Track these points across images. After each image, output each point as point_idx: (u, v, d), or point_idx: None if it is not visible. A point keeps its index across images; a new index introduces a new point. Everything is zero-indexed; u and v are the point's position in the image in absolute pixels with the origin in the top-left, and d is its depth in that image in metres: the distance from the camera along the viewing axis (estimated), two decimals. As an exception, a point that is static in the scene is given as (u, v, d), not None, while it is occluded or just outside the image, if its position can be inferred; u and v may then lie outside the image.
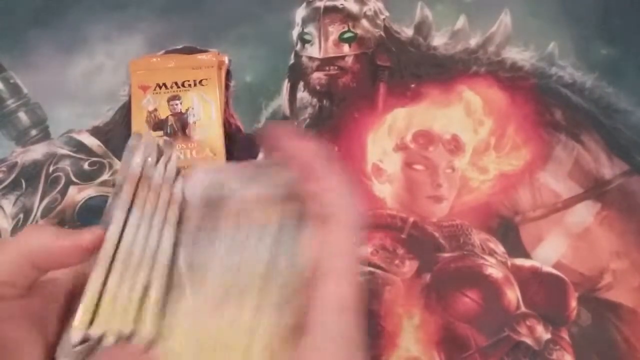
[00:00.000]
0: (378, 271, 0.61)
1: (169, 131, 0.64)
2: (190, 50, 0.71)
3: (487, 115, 0.68)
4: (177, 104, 0.65)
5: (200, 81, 0.67)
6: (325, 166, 0.33)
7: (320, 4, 0.74)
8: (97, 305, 0.28)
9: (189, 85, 0.66)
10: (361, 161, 0.67)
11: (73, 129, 0.68)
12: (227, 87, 0.70)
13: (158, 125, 0.65)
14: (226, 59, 0.70)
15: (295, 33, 0.73)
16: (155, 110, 0.65)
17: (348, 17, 0.73)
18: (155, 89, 0.66)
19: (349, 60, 0.72)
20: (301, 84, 0.70)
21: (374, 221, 0.64)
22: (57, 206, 0.63)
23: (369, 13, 0.74)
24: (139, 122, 0.64)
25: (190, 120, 0.65)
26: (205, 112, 0.65)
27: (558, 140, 0.67)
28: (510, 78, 0.70)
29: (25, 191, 0.64)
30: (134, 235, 0.30)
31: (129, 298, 0.29)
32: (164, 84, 0.66)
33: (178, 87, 0.66)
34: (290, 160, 0.34)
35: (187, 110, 0.65)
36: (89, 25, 0.74)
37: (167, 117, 0.65)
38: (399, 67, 0.71)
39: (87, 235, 0.29)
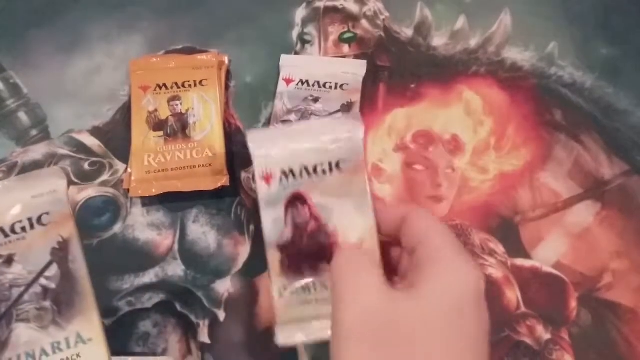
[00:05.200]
0: (378, 271, 0.60)
1: (169, 132, 0.64)
2: (190, 51, 0.71)
3: (487, 116, 0.68)
4: (177, 105, 0.65)
5: (201, 81, 0.67)
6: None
7: (320, 5, 0.74)
8: None
9: (189, 85, 0.66)
10: (361, 161, 0.66)
11: (73, 129, 0.68)
12: (227, 87, 0.70)
13: (158, 125, 0.64)
14: (226, 59, 0.70)
15: (295, 33, 0.73)
16: (156, 110, 0.65)
17: (348, 17, 0.73)
18: (155, 89, 0.66)
19: (349, 61, 0.72)
20: (301, 84, 0.70)
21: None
22: (57, 206, 0.63)
23: (368, 13, 0.74)
24: (139, 123, 0.64)
25: (190, 120, 0.65)
26: (206, 112, 0.65)
27: (558, 141, 0.67)
28: (510, 78, 0.70)
29: (25, 191, 0.64)
30: None
31: None
32: (164, 85, 0.66)
33: (178, 88, 0.66)
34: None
35: (187, 110, 0.65)
36: (89, 25, 0.74)
37: (168, 117, 0.65)
38: (399, 68, 0.71)
39: None
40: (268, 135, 0.45)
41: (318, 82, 0.67)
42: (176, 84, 0.66)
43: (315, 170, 0.44)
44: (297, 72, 0.68)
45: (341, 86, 0.67)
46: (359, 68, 0.69)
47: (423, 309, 0.37)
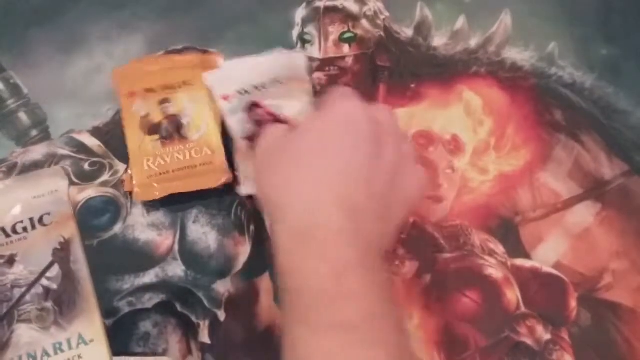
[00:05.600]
0: (378, 271, 0.61)
1: (164, 134, 0.64)
2: (190, 50, 0.71)
3: (487, 116, 0.68)
4: (168, 107, 0.65)
5: (189, 81, 0.67)
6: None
7: (320, 4, 0.74)
8: None
9: (178, 87, 0.66)
10: (361, 161, 0.67)
11: (73, 129, 0.68)
12: None
13: (153, 129, 0.64)
14: (218, 57, 0.70)
15: (295, 33, 0.73)
16: (148, 115, 0.65)
17: (348, 17, 0.73)
18: (144, 94, 0.66)
19: (349, 61, 0.72)
20: (301, 84, 0.70)
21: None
22: (58, 206, 0.63)
23: (369, 13, 0.74)
24: (132, 129, 0.64)
25: (184, 121, 0.65)
26: (198, 112, 0.65)
27: (558, 141, 0.67)
28: (510, 78, 0.70)
29: (25, 191, 0.64)
30: None
31: None
32: (152, 88, 0.66)
33: (167, 90, 0.66)
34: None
35: (179, 111, 0.65)
36: (89, 25, 0.74)
37: (161, 120, 0.65)
38: (399, 68, 0.71)
39: None
40: (222, 71, 0.66)
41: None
42: (164, 86, 0.66)
43: (263, 86, 0.62)
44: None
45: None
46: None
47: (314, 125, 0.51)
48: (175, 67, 0.68)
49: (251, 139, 0.61)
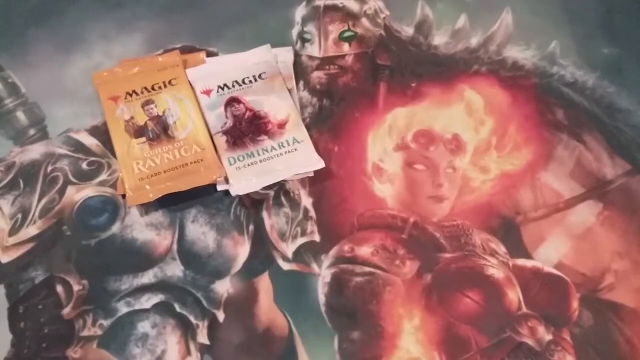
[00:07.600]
0: (378, 271, 0.60)
1: (151, 136, 0.64)
2: (189, 49, 0.71)
3: (488, 115, 0.68)
4: (152, 108, 0.65)
5: (170, 81, 0.67)
6: None
7: (320, 3, 0.74)
8: None
9: (159, 87, 0.66)
10: (361, 161, 0.66)
11: (71, 128, 0.68)
12: None
13: (138, 132, 0.64)
14: (203, 55, 0.70)
15: (295, 32, 0.73)
16: (132, 118, 0.65)
17: (348, 16, 0.73)
18: (126, 98, 0.66)
19: (349, 59, 0.71)
20: (301, 83, 0.70)
21: (375, 221, 0.63)
22: (56, 206, 0.63)
23: (369, 12, 0.73)
24: (117, 134, 0.64)
25: (170, 120, 0.65)
26: (183, 110, 0.65)
27: (559, 140, 0.67)
28: (511, 77, 0.70)
29: (23, 191, 0.64)
30: None
31: None
32: (134, 91, 0.66)
33: (149, 91, 0.66)
34: None
35: (164, 112, 0.65)
36: (88, 24, 0.74)
37: (146, 122, 0.65)
38: (400, 66, 0.71)
39: None
40: (205, 67, 0.69)
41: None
42: (146, 88, 0.66)
43: (243, 82, 0.67)
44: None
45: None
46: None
47: None
48: (157, 68, 0.68)
49: (229, 133, 0.63)
